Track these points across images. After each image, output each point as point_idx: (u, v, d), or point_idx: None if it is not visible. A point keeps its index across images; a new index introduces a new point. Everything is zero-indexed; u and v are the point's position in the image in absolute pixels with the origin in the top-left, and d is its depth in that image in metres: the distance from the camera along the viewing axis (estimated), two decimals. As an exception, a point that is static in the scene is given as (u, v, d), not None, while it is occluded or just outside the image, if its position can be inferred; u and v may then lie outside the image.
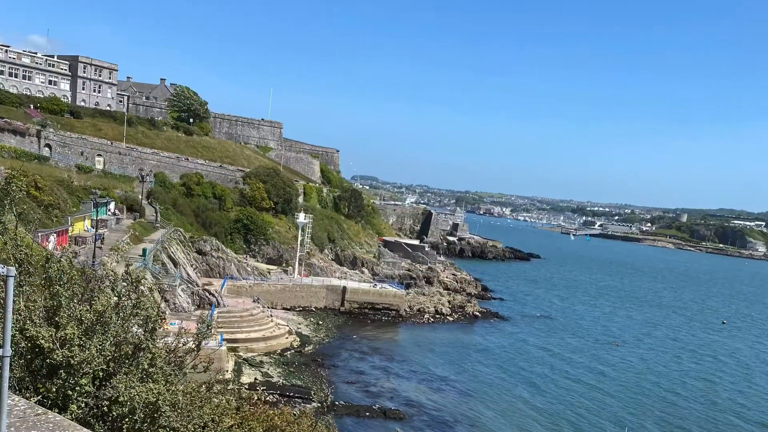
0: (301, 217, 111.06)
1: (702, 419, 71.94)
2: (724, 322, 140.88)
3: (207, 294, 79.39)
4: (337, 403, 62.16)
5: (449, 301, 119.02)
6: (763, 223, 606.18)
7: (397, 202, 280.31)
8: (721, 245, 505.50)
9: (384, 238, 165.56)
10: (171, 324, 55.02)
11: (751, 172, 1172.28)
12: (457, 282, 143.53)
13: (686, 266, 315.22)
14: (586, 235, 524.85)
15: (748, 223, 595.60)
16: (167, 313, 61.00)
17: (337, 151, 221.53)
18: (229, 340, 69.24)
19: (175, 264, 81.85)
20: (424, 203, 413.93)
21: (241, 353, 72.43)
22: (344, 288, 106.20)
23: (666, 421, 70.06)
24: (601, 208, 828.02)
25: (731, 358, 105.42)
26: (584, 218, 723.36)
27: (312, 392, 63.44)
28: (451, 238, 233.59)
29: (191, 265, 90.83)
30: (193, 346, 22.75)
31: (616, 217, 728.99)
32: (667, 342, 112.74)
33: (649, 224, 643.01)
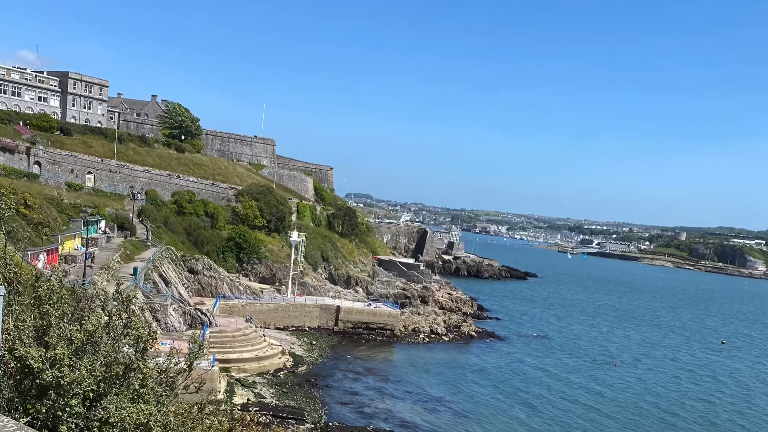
0: (295, 236, 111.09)
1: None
2: (723, 342, 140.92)
3: (199, 313, 79.15)
4: (330, 424, 61.90)
5: (444, 321, 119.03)
6: (763, 242, 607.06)
7: (391, 221, 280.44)
8: (720, 264, 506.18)
9: (378, 256, 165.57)
10: (162, 344, 54.89)
11: (751, 191, 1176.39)
12: (452, 301, 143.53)
13: (685, 285, 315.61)
14: (584, 253, 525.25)
15: (747, 241, 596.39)
16: (158, 332, 60.86)
17: (331, 168, 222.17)
18: (221, 360, 69.06)
19: (167, 283, 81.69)
20: (419, 221, 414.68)
21: (233, 373, 72.21)
22: (338, 307, 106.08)
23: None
24: (598, 227, 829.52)
25: (731, 378, 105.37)
26: (581, 236, 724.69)
27: (305, 413, 63.22)
28: (446, 257, 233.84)
29: (183, 284, 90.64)
30: (185, 366, 22.72)
31: (614, 236, 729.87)
32: (666, 362, 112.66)
33: (647, 243, 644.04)
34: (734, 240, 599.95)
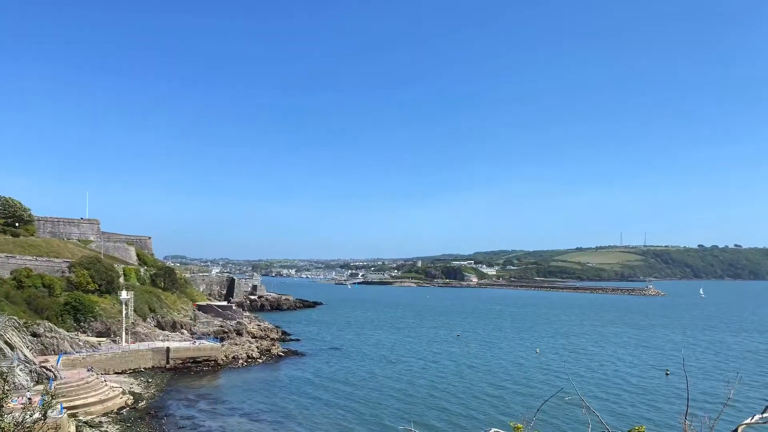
0: (124, 294, 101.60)
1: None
2: (458, 335, 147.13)
3: (44, 370, 68.79)
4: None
5: (257, 347, 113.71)
6: (473, 261, 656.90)
7: (205, 274, 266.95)
8: (447, 280, 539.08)
9: (197, 303, 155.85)
10: (12, 401, 46.53)
11: (461, 227, 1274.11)
12: (261, 330, 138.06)
13: (424, 298, 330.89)
14: (354, 283, 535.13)
15: (463, 262, 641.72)
16: (10, 391, 51.67)
17: (149, 237, 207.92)
18: (69, 408, 60.14)
19: (12, 348, 70.21)
20: (227, 272, 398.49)
21: (81, 417, 63.10)
22: (168, 348, 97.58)
23: (442, 408, 70.68)
24: (360, 263, 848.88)
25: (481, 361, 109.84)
26: (349, 271, 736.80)
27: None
28: (252, 297, 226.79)
29: (27, 347, 78.44)
30: (40, 415, 19.45)
31: (372, 268, 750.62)
32: (418, 355, 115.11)
33: (396, 270, 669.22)
34: (453, 262, 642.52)
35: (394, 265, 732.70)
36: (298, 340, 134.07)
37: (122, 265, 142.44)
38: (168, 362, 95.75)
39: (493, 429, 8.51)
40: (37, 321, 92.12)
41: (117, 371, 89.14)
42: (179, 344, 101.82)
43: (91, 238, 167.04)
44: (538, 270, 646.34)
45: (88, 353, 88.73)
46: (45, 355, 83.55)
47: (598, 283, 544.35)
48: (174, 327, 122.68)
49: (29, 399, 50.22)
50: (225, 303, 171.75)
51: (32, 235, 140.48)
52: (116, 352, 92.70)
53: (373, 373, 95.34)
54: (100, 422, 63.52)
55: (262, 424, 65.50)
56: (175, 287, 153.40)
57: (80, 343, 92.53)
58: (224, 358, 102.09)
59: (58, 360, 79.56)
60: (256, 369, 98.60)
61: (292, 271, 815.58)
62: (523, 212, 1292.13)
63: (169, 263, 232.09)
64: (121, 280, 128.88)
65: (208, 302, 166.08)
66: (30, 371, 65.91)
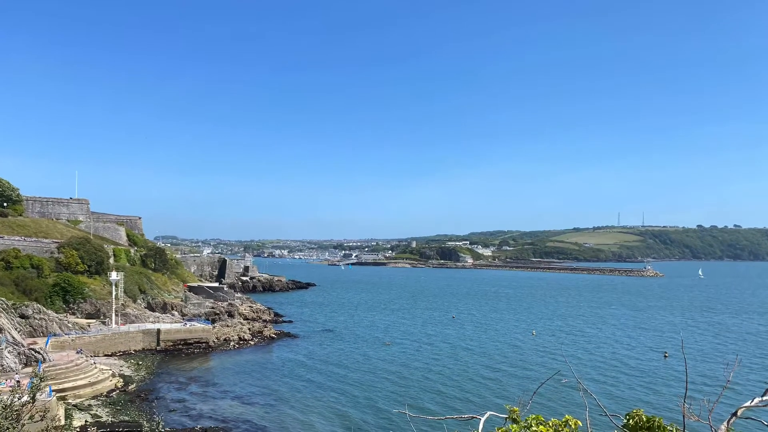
0: (114, 275, 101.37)
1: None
2: (453, 317, 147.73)
3: (33, 352, 68.74)
4: (163, 430, 55.83)
5: (249, 329, 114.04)
6: (468, 242, 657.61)
7: (196, 254, 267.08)
8: (443, 261, 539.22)
9: (188, 284, 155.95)
10: (0, 384, 46.52)
11: (456, 208, 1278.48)
12: (253, 312, 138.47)
13: (419, 279, 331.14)
14: (348, 264, 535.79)
15: (458, 243, 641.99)
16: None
17: (140, 218, 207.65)
18: (57, 390, 60.25)
19: (0, 330, 70.20)
20: (218, 253, 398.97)
21: (70, 400, 63.24)
22: (158, 330, 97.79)
23: (429, 388, 71.23)
24: (354, 243, 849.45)
25: (469, 343, 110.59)
26: (343, 252, 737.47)
27: (144, 425, 56.60)
28: (244, 278, 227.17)
29: (15, 329, 78.43)
30: (29, 398, 19.37)
31: (366, 249, 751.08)
32: (422, 339, 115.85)
33: (390, 251, 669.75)
34: (449, 243, 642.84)
35: (389, 246, 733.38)
36: (290, 321, 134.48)
37: (112, 246, 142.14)
38: (158, 344, 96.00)
39: (488, 412, 8.45)
40: (26, 302, 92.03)
41: (107, 353, 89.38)
42: (170, 326, 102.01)
43: (81, 218, 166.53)
44: (534, 251, 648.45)
45: (78, 335, 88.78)
46: (33, 337, 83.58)
47: (596, 263, 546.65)
48: (165, 308, 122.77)
49: (18, 382, 50.36)
50: (216, 284, 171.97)
51: (21, 215, 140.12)
52: (106, 334, 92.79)
53: (366, 355, 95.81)
54: (90, 405, 63.72)
55: (254, 407, 65.84)
56: (166, 268, 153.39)
57: (69, 325, 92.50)
58: (216, 340, 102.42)
59: (47, 342, 79.70)
60: (248, 351, 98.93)
61: (285, 252, 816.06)
62: (519, 192, 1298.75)
63: (160, 243, 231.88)
64: (111, 260, 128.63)
65: (200, 283, 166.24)
66: (18, 353, 65.87)
